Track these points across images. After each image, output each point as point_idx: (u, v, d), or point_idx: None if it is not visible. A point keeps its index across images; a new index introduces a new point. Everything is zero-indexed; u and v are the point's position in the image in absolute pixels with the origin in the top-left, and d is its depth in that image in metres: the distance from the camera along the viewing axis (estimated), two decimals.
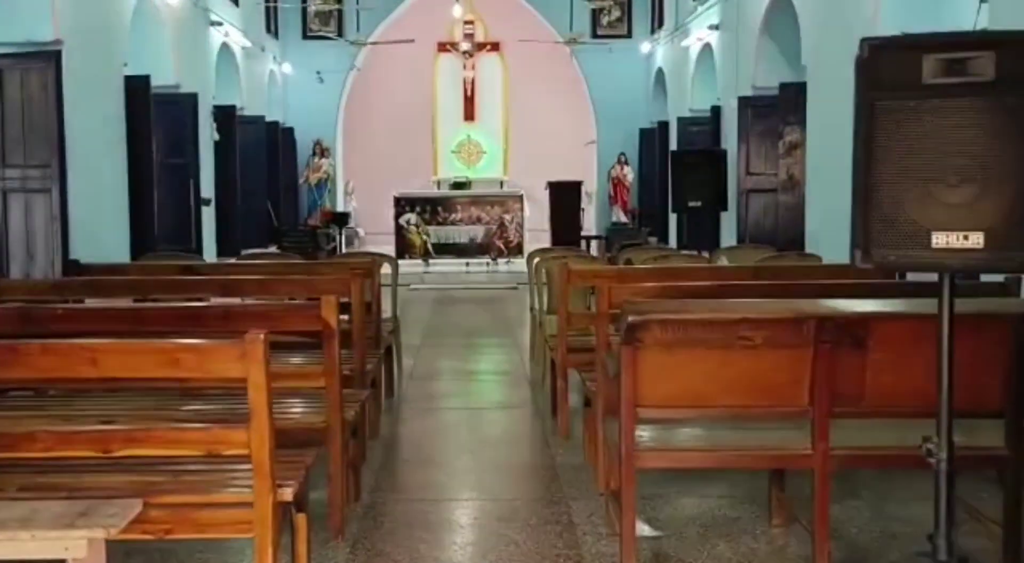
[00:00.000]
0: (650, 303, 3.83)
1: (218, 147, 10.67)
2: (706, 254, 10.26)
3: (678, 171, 9.76)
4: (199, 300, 5.05)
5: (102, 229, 7.43)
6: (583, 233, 15.09)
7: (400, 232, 16.46)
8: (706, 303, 3.90)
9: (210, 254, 10.33)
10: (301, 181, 14.81)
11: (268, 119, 13.28)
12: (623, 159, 14.85)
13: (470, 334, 10.46)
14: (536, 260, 8.31)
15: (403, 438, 5.90)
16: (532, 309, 8.50)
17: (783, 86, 8.39)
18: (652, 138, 14.77)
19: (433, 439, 5.95)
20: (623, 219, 14.97)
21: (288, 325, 4.14)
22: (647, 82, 15.14)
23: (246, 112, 12.27)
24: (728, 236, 10.40)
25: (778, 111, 8.76)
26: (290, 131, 14.67)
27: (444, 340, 9.86)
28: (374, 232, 18.57)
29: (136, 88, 7.95)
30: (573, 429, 5.77)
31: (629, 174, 14.86)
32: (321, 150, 14.81)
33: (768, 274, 6.01)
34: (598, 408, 4.71)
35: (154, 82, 9.04)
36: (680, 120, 12.28)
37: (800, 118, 8.08)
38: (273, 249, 13.06)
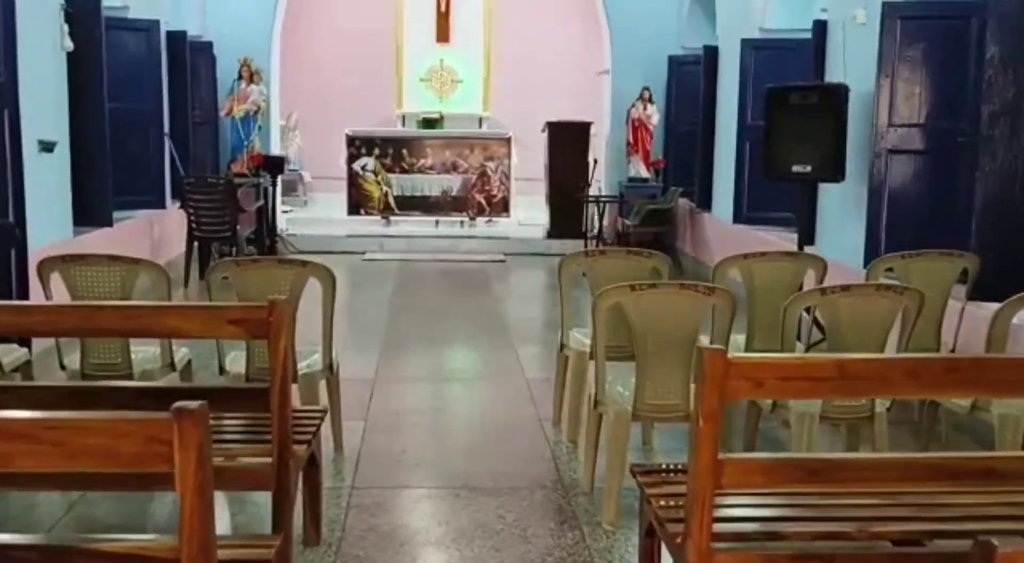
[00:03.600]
0: None
1: (72, 63, 7.03)
2: (812, 249, 6.91)
3: (778, 118, 6.32)
4: None
5: None
6: (591, 191, 11.65)
7: (354, 181, 12.97)
8: None
9: (54, 227, 6.77)
10: (222, 114, 11.16)
11: (171, 28, 9.58)
12: (647, 95, 11.36)
13: (448, 355, 7.04)
14: (577, 270, 4.91)
15: None
16: (564, 347, 5.15)
17: None
18: (688, 69, 11.28)
19: None
20: (643, 173, 11.53)
21: None
22: None
23: (130, 14, 8.59)
24: (839, 217, 7.03)
25: (962, 27, 5.35)
26: (207, 47, 10.95)
27: (408, 370, 6.46)
28: (323, 176, 15.07)
29: None
30: None
31: (654, 115, 11.39)
32: (249, 73, 11.13)
33: None
34: None
35: None
36: (748, 43, 8.77)
37: None
38: (175, 208, 9.48)
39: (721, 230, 9.55)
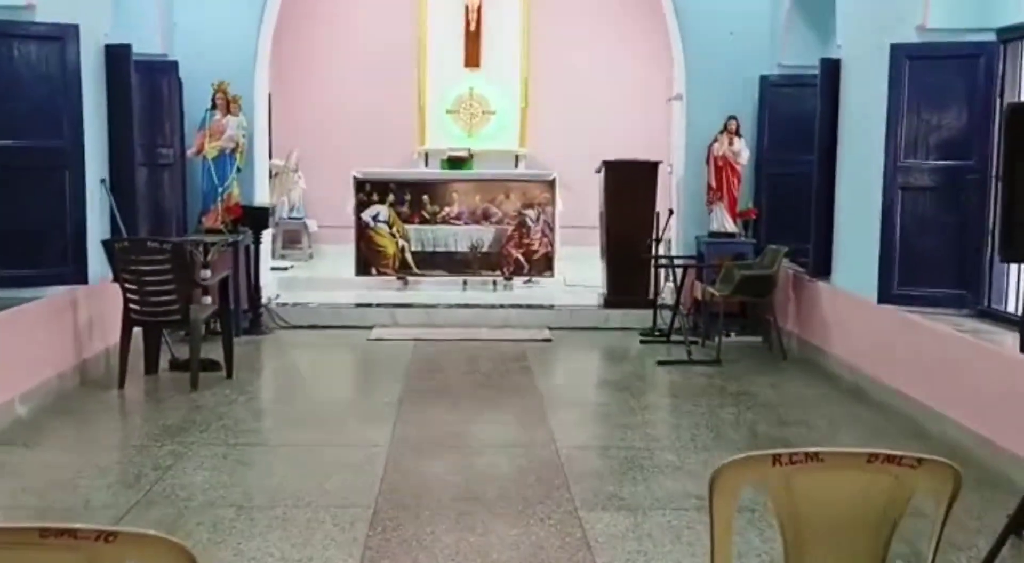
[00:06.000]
0: None
1: None
2: None
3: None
4: None
5: None
6: (658, 248, 9.10)
7: (364, 234, 10.54)
8: None
9: None
10: (190, 153, 8.76)
11: (110, 41, 7.24)
12: (733, 127, 8.82)
13: (473, 556, 4.34)
14: (749, 493, 2.30)
15: None
16: None
17: None
18: (786, 93, 8.84)
19: None
20: (728, 226, 8.96)
21: None
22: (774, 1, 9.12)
23: (37, 16, 6.21)
24: None
25: None
26: (170, 68, 8.60)
27: None
28: (332, 226, 12.69)
29: None
30: None
31: (743, 152, 8.84)
32: (225, 101, 8.73)
33: None
34: None
35: None
36: (901, 51, 6.22)
37: None
38: (108, 283, 7.00)
39: (852, 309, 6.96)
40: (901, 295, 6.27)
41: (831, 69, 7.39)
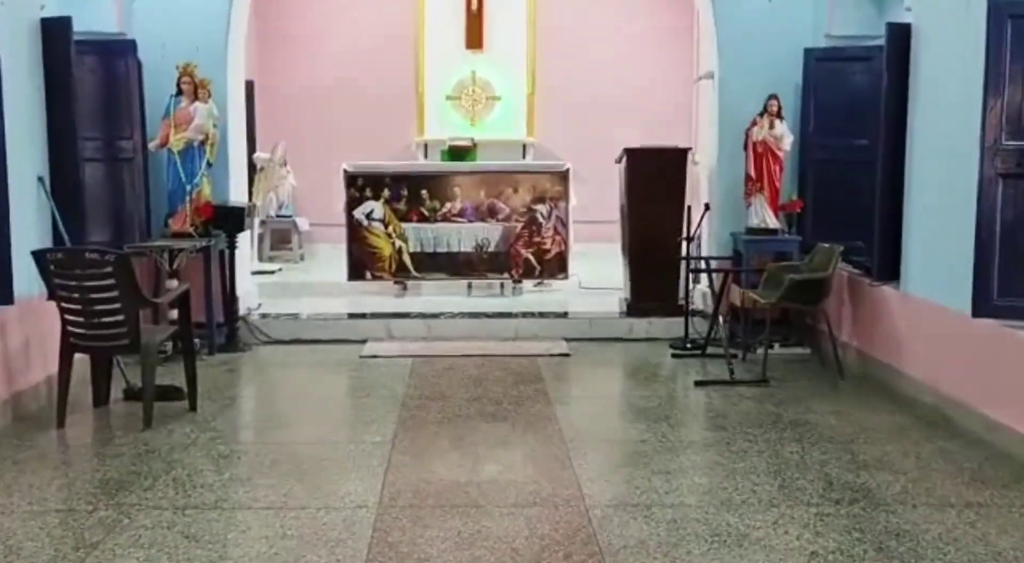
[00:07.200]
0: None
1: None
2: None
3: None
4: None
5: None
6: (689, 246, 7.99)
7: (356, 234, 9.42)
8: None
9: None
10: (153, 146, 7.64)
11: (47, 15, 6.14)
12: (774, 108, 7.68)
13: None
14: None
15: None
16: None
17: None
18: (835, 67, 7.74)
19: None
20: (770, 222, 7.82)
21: None
22: None
23: None
24: None
25: None
26: (127, 48, 7.49)
27: None
28: (326, 224, 11.56)
29: None
30: None
31: (786, 137, 7.70)
32: (192, 86, 7.60)
33: None
34: None
35: None
36: (1002, 10, 5.06)
37: None
38: (43, 301, 5.87)
39: (934, 321, 5.82)
40: (1004, 307, 5.14)
41: (899, 36, 6.24)
